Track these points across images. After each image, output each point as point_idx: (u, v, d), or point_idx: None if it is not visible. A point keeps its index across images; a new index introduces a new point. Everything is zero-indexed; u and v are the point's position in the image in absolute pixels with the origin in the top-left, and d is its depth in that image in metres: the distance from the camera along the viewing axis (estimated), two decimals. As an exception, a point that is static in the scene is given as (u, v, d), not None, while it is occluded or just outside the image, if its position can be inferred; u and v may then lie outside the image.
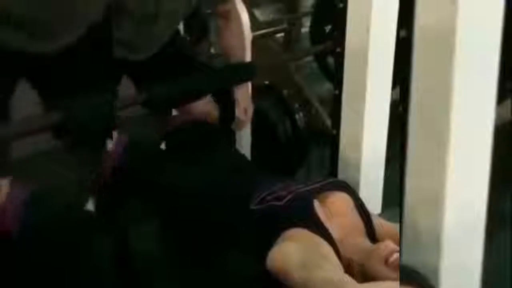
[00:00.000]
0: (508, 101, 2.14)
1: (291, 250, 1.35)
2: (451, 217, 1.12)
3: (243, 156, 2.01)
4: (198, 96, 1.81)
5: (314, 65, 2.77)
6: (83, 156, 1.91)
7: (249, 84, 2.04)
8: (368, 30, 1.61)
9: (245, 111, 2.02)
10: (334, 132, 1.79)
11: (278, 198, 1.50)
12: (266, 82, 2.30)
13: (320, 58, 2.15)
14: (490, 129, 1.10)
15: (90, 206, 1.88)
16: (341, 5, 1.67)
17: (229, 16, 1.93)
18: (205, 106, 2.00)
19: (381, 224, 1.54)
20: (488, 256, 1.17)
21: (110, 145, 1.83)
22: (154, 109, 1.92)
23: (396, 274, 1.26)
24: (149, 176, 1.86)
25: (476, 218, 1.14)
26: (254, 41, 2.08)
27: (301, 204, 1.48)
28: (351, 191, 1.58)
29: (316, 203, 1.49)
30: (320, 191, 1.54)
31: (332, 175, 1.80)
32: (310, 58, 2.82)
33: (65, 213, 1.62)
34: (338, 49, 1.72)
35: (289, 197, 1.49)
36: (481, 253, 1.16)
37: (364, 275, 1.34)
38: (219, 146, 1.95)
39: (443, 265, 1.14)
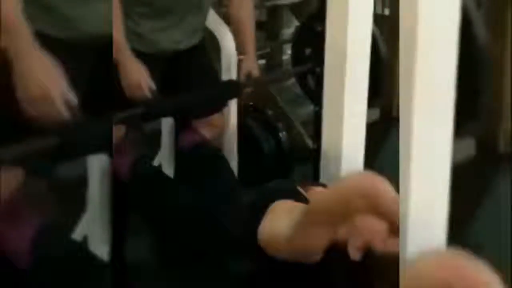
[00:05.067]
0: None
1: (276, 221, 1.45)
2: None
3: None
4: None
5: (296, 90, 2.95)
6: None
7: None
8: (344, 50, 1.76)
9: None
10: (315, 146, 1.93)
11: None
12: (251, 103, 2.46)
13: (301, 78, 2.32)
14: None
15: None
16: (319, 28, 1.82)
17: None
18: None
19: None
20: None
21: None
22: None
23: None
24: (149, 197, 1.95)
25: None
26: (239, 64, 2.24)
27: (284, 183, 1.60)
28: None
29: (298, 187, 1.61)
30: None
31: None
32: (292, 81, 3.00)
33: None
34: (317, 69, 1.87)
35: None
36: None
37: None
38: (221, 170, 2.07)
39: None
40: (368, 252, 1.28)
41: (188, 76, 2.11)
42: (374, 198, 0.92)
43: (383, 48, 2.42)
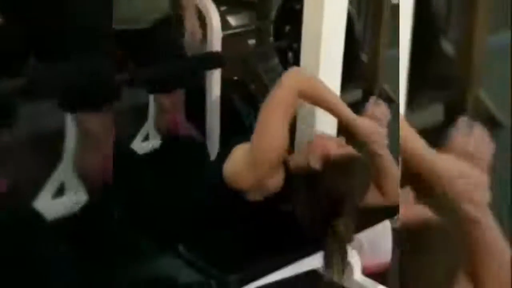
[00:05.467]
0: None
1: (237, 158, 1.56)
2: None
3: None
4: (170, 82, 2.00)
5: (281, 70, 3.07)
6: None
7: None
8: (320, 29, 1.86)
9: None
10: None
11: None
12: (236, 78, 2.56)
13: (282, 55, 2.43)
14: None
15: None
16: (298, 6, 1.91)
17: None
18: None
19: None
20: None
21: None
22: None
23: None
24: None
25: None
26: (227, 42, 2.32)
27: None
28: None
29: None
30: None
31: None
32: (277, 62, 3.12)
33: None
34: (295, 45, 1.96)
35: None
36: None
37: None
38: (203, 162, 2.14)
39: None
40: (325, 165, 1.47)
41: (152, 52, 2.16)
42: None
43: (358, 26, 2.50)
